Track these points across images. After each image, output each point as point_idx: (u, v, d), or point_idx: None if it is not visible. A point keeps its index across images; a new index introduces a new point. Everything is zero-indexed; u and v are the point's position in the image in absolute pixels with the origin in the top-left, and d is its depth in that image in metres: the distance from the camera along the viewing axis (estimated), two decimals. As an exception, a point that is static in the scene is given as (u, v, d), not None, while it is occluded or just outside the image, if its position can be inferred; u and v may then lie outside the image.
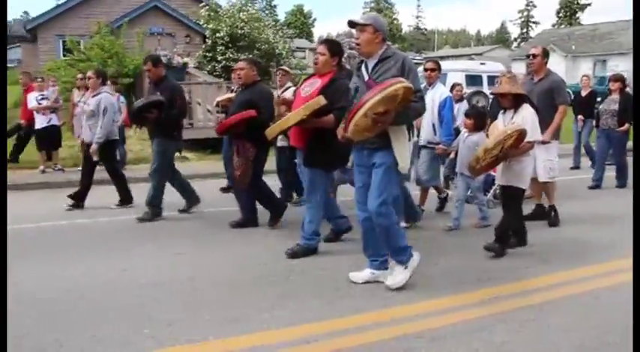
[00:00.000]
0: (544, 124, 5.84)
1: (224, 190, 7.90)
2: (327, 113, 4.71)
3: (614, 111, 8.52)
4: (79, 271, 4.51)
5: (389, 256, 4.24)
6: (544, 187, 6.30)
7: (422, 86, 4.68)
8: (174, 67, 12.03)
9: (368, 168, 4.14)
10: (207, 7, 19.44)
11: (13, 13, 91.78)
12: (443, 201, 6.78)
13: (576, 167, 10.59)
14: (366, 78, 4.10)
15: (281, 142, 6.60)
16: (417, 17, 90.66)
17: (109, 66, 15.05)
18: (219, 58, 18.16)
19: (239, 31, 18.39)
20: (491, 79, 18.46)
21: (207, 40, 18.99)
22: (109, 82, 8.37)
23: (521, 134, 4.76)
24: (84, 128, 7.19)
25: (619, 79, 8.75)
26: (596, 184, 8.55)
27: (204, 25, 19.20)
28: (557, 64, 35.43)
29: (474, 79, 20.16)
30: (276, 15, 19.85)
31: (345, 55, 16.10)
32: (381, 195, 3.99)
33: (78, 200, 7.07)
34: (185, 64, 12.37)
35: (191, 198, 6.83)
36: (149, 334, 3.28)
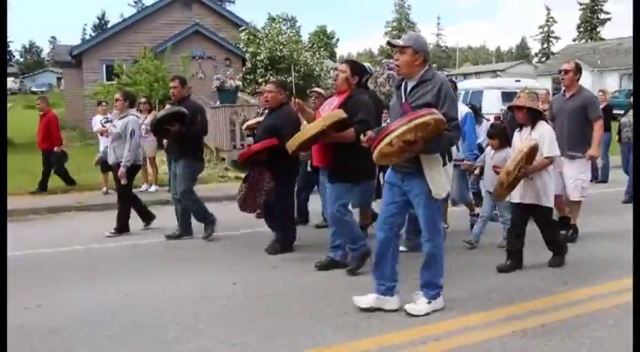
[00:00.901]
0: (576, 140, 5.97)
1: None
2: (347, 128, 4.73)
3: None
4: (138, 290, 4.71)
5: (420, 285, 4.15)
6: (570, 204, 6.21)
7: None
8: (228, 90, 12.44)
9: (399, 187, 4.09)
10: (246, 31, 20.03)
11: (42, 40, 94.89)
12: (474, 218, 6.47)
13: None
14: (403, 100, 4.04)
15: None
16: (437, 35, 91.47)
17: (156, 90, 15.57)
18: (260, 80, 18.67)
19: (278, 54, 18.92)
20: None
21: (246, 62, 19.54)
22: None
23: (534, 149, 4.82)
24: (109, 150, 7.01)
25: None
26: (628, 198, 8.23)
27: (244, 49, 19.75)
28: (583, 78, 35.51)
29: (509, 96, 20.27)
30: (300, 36, 20.27)
31: (385, 76, 16.74)
32: (429, 223, 4.00)
33: (145, 221, 7.17)
34: (237, 87, 12.80)
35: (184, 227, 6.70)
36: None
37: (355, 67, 5.10)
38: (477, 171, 6.35)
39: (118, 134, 6.79)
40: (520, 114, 5.13)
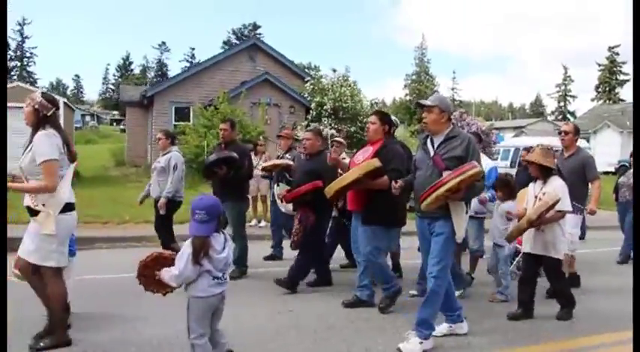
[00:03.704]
0: (573, 198, 5.88)
1: (268, 258, 7.97)
2: (381, 175, 4.99)
3: (632, 185, 8.48)
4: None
5: (415, 322, 4.37)
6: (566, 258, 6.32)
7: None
8: (324, 137, 13.35)
9: (429, 235, 4.46)
10: (311, 82, 21.25)
11: (67, 78, 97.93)
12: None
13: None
14: (432, 153, 4.43)
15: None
16: (453, 89, 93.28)
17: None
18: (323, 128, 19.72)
19: (343, 104, 20.03)
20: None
21: (310, 111, 20.64)
22: None
23: (557, 202, 5.00)
24: (153, 184, 7.18)
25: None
26: (624, 259, 8.45)
27: (308, 98, 20.89)
28: (612, 139, 36.39)
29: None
30: (359, 89, 21.48)
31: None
32: (440, 262, 4.32)
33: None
34: (332, 136, 13.74)
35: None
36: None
37: (384, 118, 5.41)
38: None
39: (162, 168, 7.00)
40: (533, 170, 5.33)
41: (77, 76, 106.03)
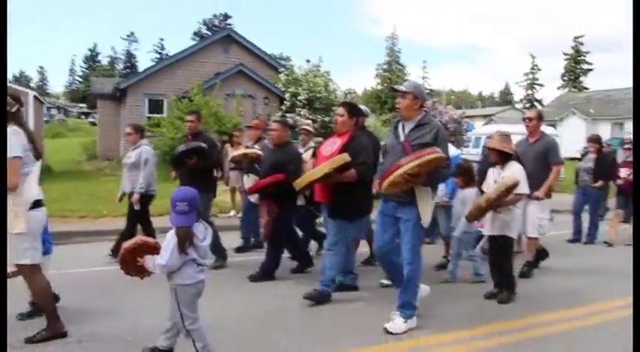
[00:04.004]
0: (539, 183, 6.31)
1: (239, 250, 7.93)
2: (348, 168, 5.05)
3: (589, 169, 9.02)
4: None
5: (397, 305, 4.56)
6: (529, 242, 6.70)
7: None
8: (293, 126, 13.51)
9: (392, 218, 4.54)
10: (285, 73, 21.28)
11: (29, 69, 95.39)
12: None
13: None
14: (402, 139, 4.49)
15: (299, 202, 6.63)
16: (423, 78, 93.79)
17: (210, 125, 16.51)
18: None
19: (317, 95, 20.13)
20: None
21: (284, 101, 20.69)
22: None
23: (515, 185, 5.14)
24: (124, 179, 7.22)
25: (596, 140, 9.25)
26: (576, 238, 9.10)
27: (283, 89, 20.93)
28: (577, 126, 37.37)
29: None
30: (331, 79, 21.58)
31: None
32: (412, 248, 4.47)
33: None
34: (296, 121, 13.94)
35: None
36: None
37: (352, 109, 5.43)
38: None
39: (133, 164, 7.01)
40: (493, 156, 5.50)
41: (41, 67, 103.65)
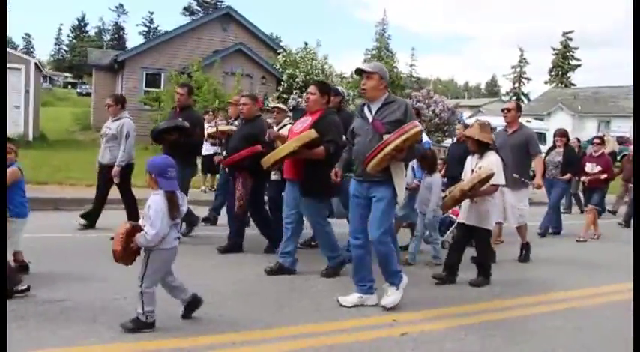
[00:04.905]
0: (518, 173, 6.48)
1: (206, 220, 8.04)
2: (318, 145, 5.05)
3: (557, 163, 9.05)
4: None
5: (385, 279, 4.59)
6: (517, 230, 6.88)
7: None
8: (301, 109, 13.79)
9: (365, 199, 4.50)
10: (283, 54, 21.48)
11: (15, 35, 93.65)
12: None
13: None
14: (371, 119, 4.47)
15: (274, 176, 6.58)
16: (411, 66, 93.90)
17: (210, 102, 16.67)
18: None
19: (315, 77, 20.39)
20: (539, 136, 20.36)
21: (281, 82, 20.91)
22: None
23: (490, 176, 5.15)
24: (102, 150, 7.12)
25: (563, 134, 9.33)
26: (544, 232, 9.05)
27: (280, 70, 21.13)
28: (564, 121, 37.97)
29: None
30: (327, 61, 21.84)
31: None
32: (382, 226, 4.39)
33: (91, 220, 7.32)
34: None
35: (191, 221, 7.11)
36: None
37: (323, 88, 5.43)
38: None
39: (113, 135, 6.92)
40: (471, 144, 5.54)
41: (28, 34, 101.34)
